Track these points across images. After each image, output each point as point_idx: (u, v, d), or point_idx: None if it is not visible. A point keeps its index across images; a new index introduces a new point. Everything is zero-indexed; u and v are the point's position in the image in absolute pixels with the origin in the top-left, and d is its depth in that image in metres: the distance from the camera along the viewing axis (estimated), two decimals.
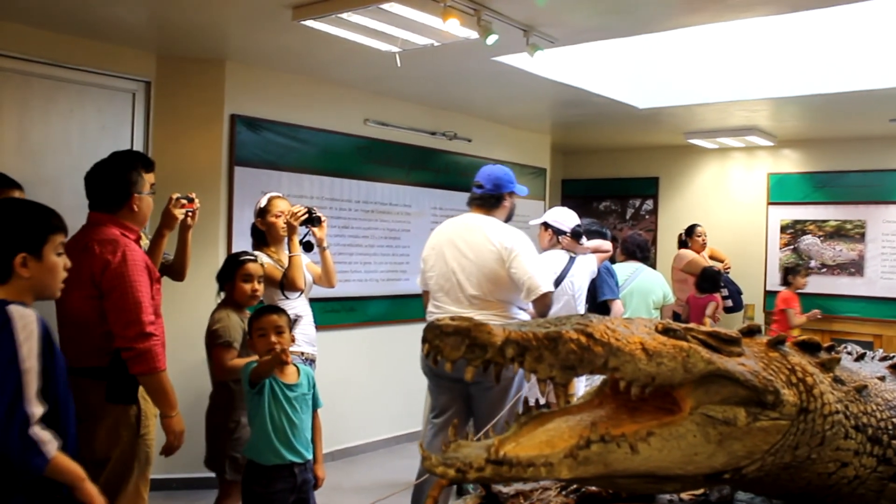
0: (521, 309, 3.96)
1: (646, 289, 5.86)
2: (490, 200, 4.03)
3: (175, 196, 3.49)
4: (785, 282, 7.18)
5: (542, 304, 3.79)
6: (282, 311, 3.40)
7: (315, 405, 3.41)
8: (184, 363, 4.58)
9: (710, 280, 6.92)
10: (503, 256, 3.80)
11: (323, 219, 4.25)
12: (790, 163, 8.25)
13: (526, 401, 1.50)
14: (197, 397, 4.08)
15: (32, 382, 2.07)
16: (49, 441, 2.10)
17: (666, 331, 1.41)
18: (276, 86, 5.43)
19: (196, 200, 3.61)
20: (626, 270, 5.87)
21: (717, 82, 6.13)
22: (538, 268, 3.87)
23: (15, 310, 2.11)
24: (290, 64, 5.26)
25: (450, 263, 3.89)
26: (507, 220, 4.08)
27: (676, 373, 1.34)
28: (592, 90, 5.92)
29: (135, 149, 4.82)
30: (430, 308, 4.00)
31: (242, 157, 5.21)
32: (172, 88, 5.06)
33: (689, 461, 1.34)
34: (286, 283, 3.98)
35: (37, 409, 2.08)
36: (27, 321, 2.10)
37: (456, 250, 3.90)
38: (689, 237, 7.40)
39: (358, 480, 5.38)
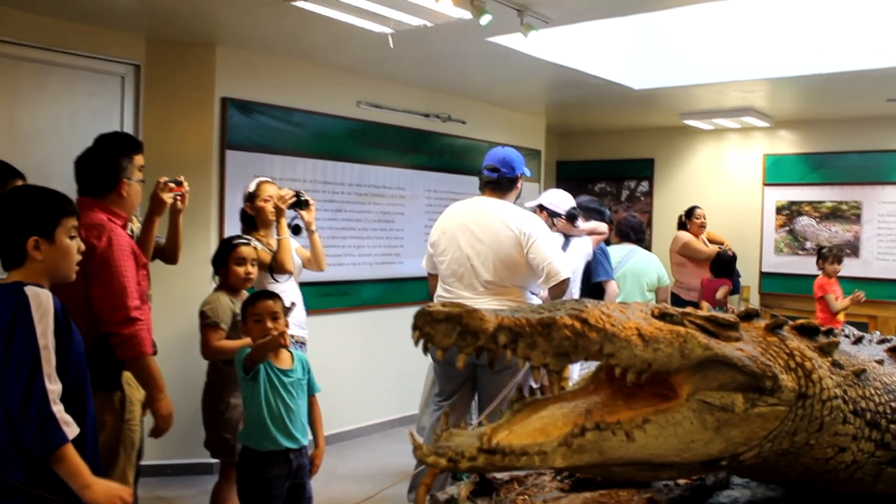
0: (533, 294, 3.94)
1: (639, 271, 5.84)
2: (506, 184, 3.97)
3: (163, 180, 3.45)
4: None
5: (560, 289, 3.76)
6: (277, 297, 3.38)
7: (312, 390, 3.39)
8: (175, 347, 4.55)
9: (724, 264, 6.87)
10: (521, 241, 3.75)
11: (311, 202, 4.22)
12: (786, 144, 8.21)
13: (520, 387, 1.48)
14: (189, 382, 4.07)
15: (49, 360, 2.12)
16: (69, 423, 2.13)
17: (662, 316, 1.39)
18: (267, 69, 5.37)
19: (185, 184, 3.57)
20: (620, 252, 5.84)
21: (713, 63, 6.08)
22: (557, 253, 3.84)
23: (30, 290, 2.17)
24: (282, 46, 5.20)
25: (464, 248, 3.83)
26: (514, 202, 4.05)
27: (673, 359, 1.31)
28: (588, 71, 5.87)
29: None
30: (439, 293, 3.94)
31: (234, 140, 5.16)
32: (163, 72, 5.00)
33: (686, 448, 1.32)
34: (275, 267, 3.98)
35: (55, 386, 2.12)
36: (42, 300, 2.16)
37: (470, 235, 3.84)
38: (688, 219, 7.34)
39: (353, 466, 5.37)
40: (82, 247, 2.38)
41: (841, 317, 6.42)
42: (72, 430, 2.13)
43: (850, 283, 6.93)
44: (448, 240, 3.90)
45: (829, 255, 6.62)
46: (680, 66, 6.25)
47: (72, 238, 2.32)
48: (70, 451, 2.12)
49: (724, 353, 1.35)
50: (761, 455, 1.38)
